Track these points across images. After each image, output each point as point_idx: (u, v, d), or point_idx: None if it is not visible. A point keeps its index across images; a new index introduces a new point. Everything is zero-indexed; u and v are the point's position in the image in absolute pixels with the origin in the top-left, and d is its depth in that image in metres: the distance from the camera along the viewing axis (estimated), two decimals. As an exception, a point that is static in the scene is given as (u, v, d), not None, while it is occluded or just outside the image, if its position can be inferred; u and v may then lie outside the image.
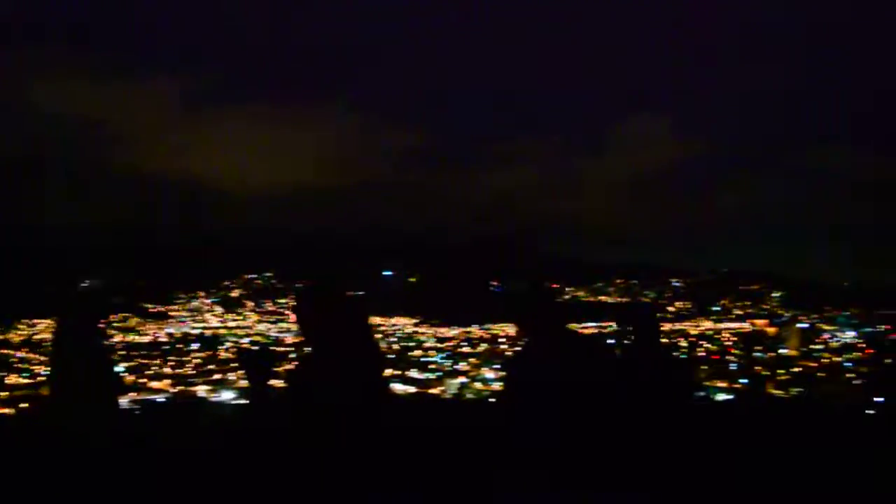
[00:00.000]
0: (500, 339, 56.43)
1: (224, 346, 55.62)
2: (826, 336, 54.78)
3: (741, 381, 44.01)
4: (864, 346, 50.28)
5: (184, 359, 52.13)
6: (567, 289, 66.12)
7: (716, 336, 59.89)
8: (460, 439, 5.87)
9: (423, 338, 60.08)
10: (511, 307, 3.14)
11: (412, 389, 42.93)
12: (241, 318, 63.30)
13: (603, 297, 66.36)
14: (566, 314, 3.15)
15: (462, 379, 48.01)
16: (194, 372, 49.21)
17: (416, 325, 62.94)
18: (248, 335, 59.49)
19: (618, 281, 70.47)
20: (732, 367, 49.32)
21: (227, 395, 40.33)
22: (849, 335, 53.40)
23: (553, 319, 3.09)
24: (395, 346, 55.06)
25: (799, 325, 59.34)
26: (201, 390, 43.89)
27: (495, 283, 67.21)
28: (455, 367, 51.10)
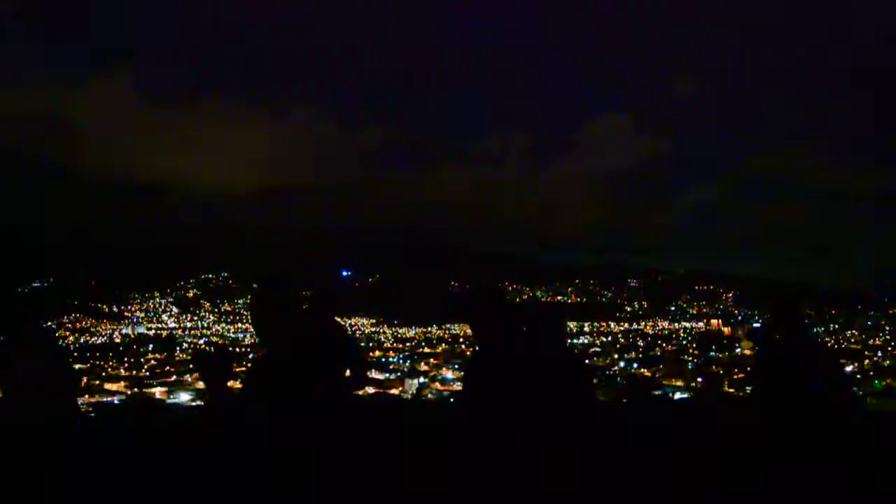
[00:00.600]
0: (460, 339, 56.62)
1: (180, 347, 55.01)
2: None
3: (698, 379, 44.64)
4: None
5: (139, 360, 51.47)
6: (525, 289, 66.54)
7: (672, 335, 60.85)
8: (423, 439, 5.88)
9: (382, 338, 60.04)
10: (464, 308, 3.16)
11: (372, 390, 42.85)
12: (197, 318, 62.58)
13: (560, 298, 66.85)
14: (518, 314, 3.17)
15: (421, 379, 48.02)
16: (150, 373, 48.53)
17: (375, 325, 62.85)
18: (204, 336, 58.89)
19: (576, 281, 71.04)
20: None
21: (184, 397, 39.89)
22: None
23: (504, 320, 3.10)
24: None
25: (753, 325, 60.49)
26: (157, 392, 43.27)
27: (454, 284, 67.32)
28: (414, 367, 51.07)
